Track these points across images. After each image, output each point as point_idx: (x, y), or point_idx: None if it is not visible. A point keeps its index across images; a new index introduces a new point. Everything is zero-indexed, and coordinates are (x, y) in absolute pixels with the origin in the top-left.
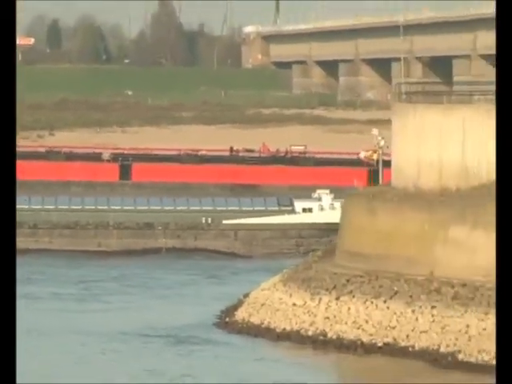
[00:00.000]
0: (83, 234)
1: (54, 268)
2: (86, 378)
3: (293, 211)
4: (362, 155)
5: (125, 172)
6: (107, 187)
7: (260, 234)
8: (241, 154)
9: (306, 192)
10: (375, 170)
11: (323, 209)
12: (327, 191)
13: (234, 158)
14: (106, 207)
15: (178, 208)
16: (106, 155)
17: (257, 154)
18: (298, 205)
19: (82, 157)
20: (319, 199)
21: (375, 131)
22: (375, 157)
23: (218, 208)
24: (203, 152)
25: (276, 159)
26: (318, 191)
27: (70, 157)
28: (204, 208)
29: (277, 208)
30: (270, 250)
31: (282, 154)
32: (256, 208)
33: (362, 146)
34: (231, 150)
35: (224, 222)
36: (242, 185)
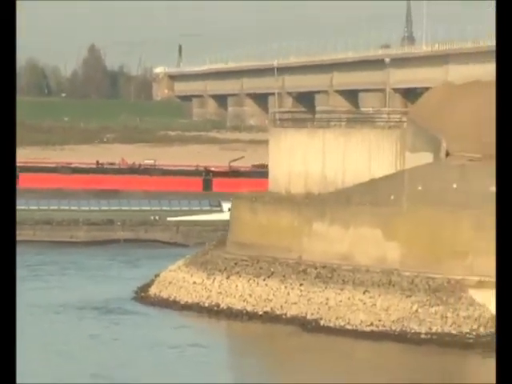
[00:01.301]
0: (59, 229)
1: (23, 255)
2: (38, 344)
3: (221, 210)
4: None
5: None
6: None
7: (196, 228)
8: (105, 166)
9: (157, 196)
10: (207, 179)
11: None
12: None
13: (99, 169)
14: (76, 208)
15: (133, 208)
16: None
17: (117, 166)
18: (225, 205)
19: None
20: None
21: None
22: None
23: (164, 208)
24: (75, 164)
25: (132, 170)
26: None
27: None
28: (153, 208)
29: (209, 208)
30: (202, 240)
31: (137, 167)
32: (193, 208)
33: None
34: (97, 163)
35: (168, 218)
36: (105, 190)
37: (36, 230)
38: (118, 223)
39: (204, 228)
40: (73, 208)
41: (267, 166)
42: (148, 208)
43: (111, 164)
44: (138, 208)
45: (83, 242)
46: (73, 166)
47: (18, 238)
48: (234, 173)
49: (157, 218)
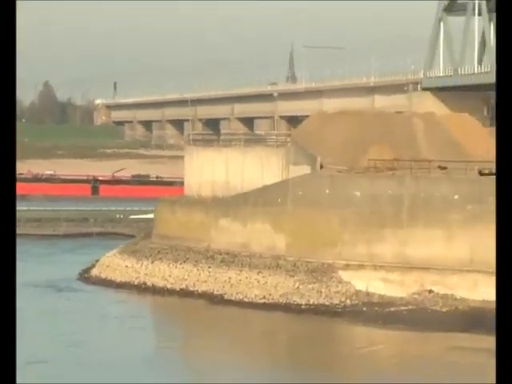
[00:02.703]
0: (45, 224)
1: None
2: None
3: None
4: None
5: None
6: None
7: (152, 224)
8: None
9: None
10: (95, 186)
11: None
12: None
13: None
14: (58, 208)
15: (103, 208)
16: None
17: (24, 176)
18: None
19: None
20: None
21: None
22: None
23: (127, 209)
24: None
25: (36, 179)
26: None
27: None
28: (118, 208)
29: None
30: None
31: (40, 176)
32: (149, 208)
33: (164, 171)
34: None
35: (130, 216)
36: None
37: (27, 226)
38: (92, 220)
39: None
40: (55, 209)
41: (144, 175)
42: (114, 208)
43: (20, 174)
44: (106, 208)
45: (64, 234)
46: None
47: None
48: (116, 181)
49: (121, 216)
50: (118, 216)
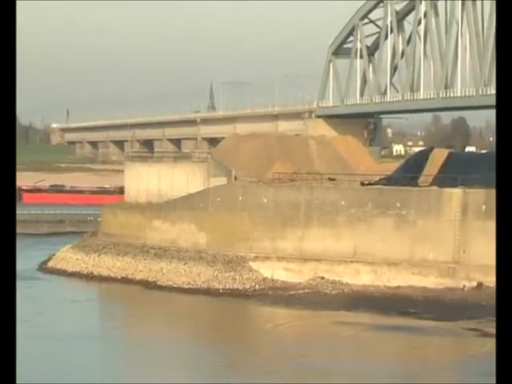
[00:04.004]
0: (29, 225)
1: None
2: None
3: None
4: None
5: None
6: None
7: None
8: None
9: None
10: (19, 194)
11: None
12: None
13: None
14: (40, 212)
15: (76, 212)
16: None
17: None
18: None
19: None
20: None
21: None
22: None
23: (96, 212)
24: None
25: None
26: None
27: None
28: (89, 212)
29: None
30: None
31: None
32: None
33: (107, 181)
34: None
35: (98, 219)
36: None
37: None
38: (67, 221)
39: None
40: (39, 212)
41: (60, 185)
42: (85, 212)
43: None
44: (79, 212)
45: (45, 233)
46: None
47: None
48: (37, 190)
49: (91, 218)
50: (89, 218)
